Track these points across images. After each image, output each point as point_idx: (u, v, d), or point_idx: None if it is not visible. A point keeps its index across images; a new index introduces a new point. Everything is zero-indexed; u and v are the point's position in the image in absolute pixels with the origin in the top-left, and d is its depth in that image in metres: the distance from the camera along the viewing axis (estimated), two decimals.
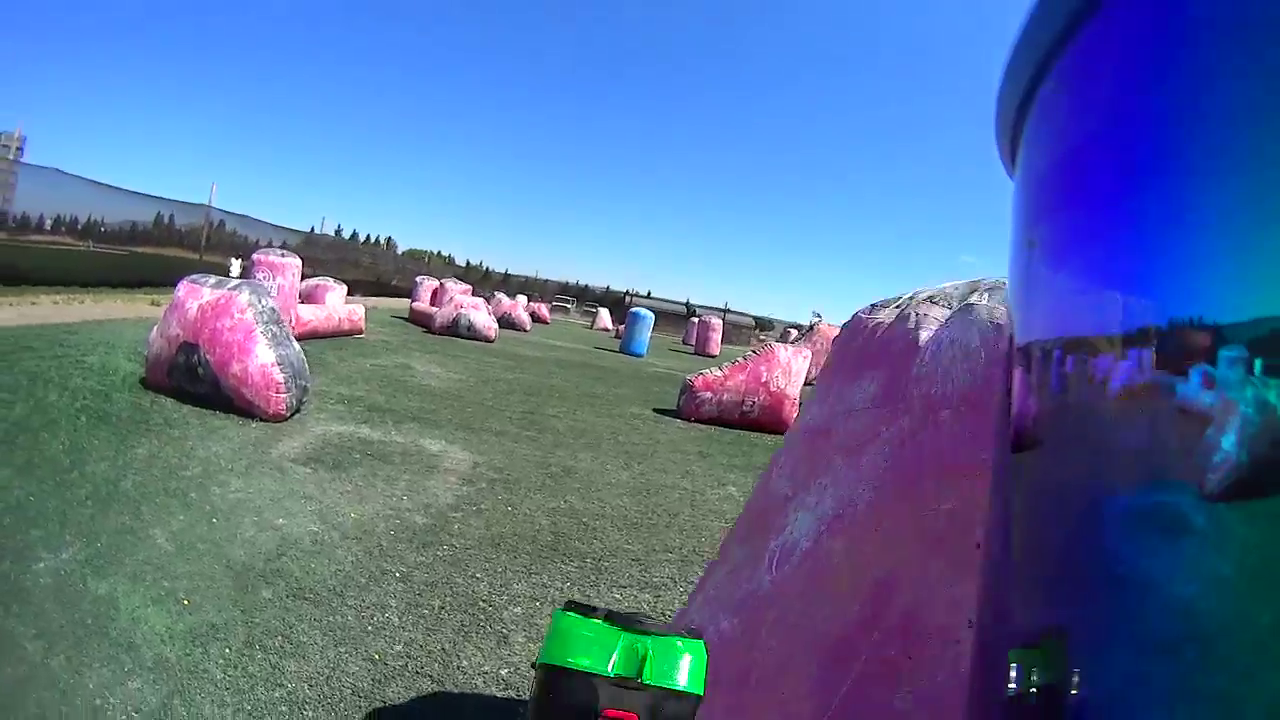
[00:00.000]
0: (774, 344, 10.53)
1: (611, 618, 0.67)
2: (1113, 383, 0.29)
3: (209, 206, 18.68)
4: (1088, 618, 0.27)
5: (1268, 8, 0.21)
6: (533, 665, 0.73)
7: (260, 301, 5.91)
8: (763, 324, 48.24)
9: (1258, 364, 0.23)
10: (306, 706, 2.39)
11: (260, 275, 9.76)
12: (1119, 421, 0.29)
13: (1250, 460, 0.22)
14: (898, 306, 1.41)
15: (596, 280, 58.07)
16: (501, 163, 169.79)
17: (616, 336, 27.96)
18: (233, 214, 20.43)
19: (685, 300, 49.16)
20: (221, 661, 2.53)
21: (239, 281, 6.14)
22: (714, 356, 24.45)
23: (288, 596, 3.08)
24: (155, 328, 6.17)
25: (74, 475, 3.98)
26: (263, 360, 5.71)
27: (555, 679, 0.66)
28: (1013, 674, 0.34)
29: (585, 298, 49.09)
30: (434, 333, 16.96)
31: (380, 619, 3.03)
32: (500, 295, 28.39)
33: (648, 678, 0.64)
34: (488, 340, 16.84)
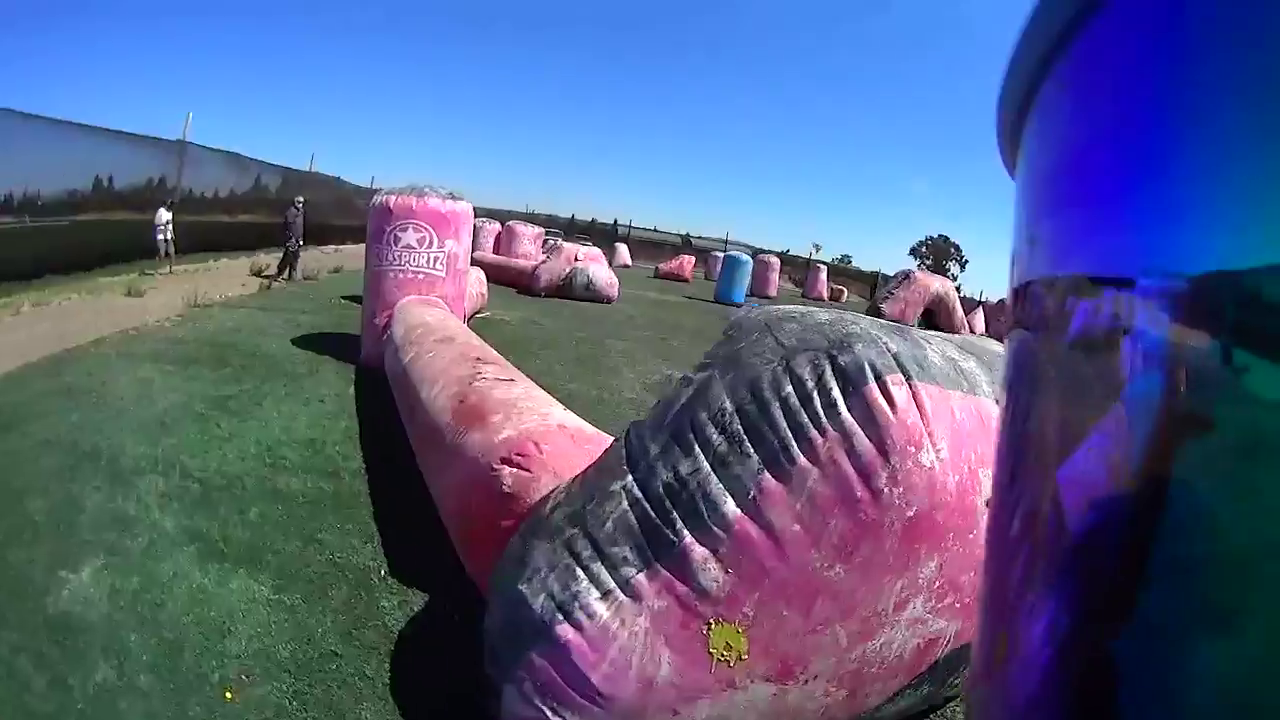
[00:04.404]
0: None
1: None
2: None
3: (184, 142, 12.13)
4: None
5: (1274, 5, 0.22)
6: None
7: None
8: (787, 260, 40.77)
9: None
10: None
11: (418, 239, 5.37)
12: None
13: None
14: None
15: (562, 210, 49.43)
16: (469, 94, 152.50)
17: (658, 276, 25.26)
18: (210, 149, 13.17)
19: (684, 233, 43.73)
20: None
21: None
22: (773, 298, 21.37)
23: None
24: None
25: None
26: None
27: None
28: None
29: (571, 230, 42.76)
30: (535, 294, 12.41)
31: None
32: (557, 239, 19.50)
33: None
34: (610, 300, 12.69)
